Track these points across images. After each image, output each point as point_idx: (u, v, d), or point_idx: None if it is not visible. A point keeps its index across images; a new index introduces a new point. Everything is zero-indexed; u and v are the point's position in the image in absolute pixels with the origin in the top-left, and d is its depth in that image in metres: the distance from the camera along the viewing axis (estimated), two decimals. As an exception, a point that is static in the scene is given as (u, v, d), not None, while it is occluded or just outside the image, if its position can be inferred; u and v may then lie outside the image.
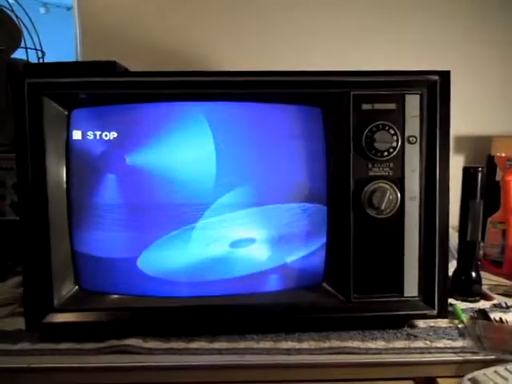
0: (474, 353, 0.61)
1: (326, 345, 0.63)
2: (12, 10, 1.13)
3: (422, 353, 0.61)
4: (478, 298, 0.78)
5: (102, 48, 1.17)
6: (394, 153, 0.64)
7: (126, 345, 0.62)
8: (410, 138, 0.65)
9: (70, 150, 0.64)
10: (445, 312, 0.66)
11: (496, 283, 0.87)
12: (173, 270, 0.66)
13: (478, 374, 0.57)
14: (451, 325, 0.68)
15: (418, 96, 0.64)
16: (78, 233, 0.65)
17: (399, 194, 0.65)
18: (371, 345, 0.63)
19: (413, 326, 0.68)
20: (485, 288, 0.81)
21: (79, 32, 1.20)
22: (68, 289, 0.65)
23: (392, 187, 0.64)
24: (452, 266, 0.78)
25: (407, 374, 0.61)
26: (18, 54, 1.13)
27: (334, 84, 0.64)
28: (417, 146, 0.65)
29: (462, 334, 0.65)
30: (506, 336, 0.65)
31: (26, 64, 1.01)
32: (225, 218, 0.65)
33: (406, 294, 0.66)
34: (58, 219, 0.63)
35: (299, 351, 0.61)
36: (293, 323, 0.67)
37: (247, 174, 0.65)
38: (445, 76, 0.64)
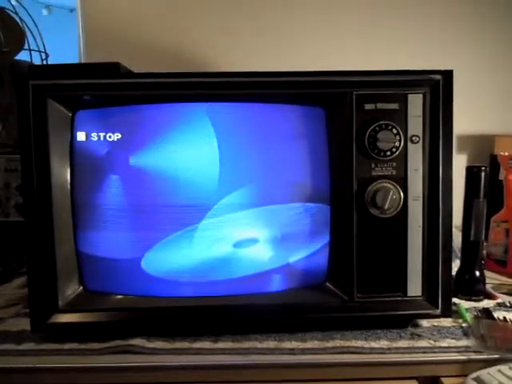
0: (478, 352, 0.61)
1: (330, 344, 0.63)
2: (15, 12, 1.14)
3: (426, 352, 0.61)
4: (481, 297, 0.78)
5: (105, 49, 1.18)
6: (397, 152, 0.64)
7: (130, 345, 0.62)
8: (413, 138, 0.65)
9: (74, 151, 0.64)
10: (448, 311, 0.66)
11: (500, 282, 0.87)
12: (176, 270, 0.66)
13: (482, 373, 0.57)
14: (455, 324, 0.68)
15: (420, 95, 0.64)
16: (83, 233, 0.65)
17: (402, 194, 0.65)
18: (375, 344, 0.63)
19: (416, 326, 0.68)
20: (488, 287, 0.81)
21: (82, 33, 1.21)
22: (73, 289, 0.65)
23: (395, 187, 0.64)
24: (455, 265, 0.78)
25: (411, 374, 0.61)
26: (22, 56, 1.13)
27: (337, 84, 0.64)
28: (420, 145, 0.65)
29: (465, 334, 0.65)
30: (510, 335, 0.65)
31: (30, 66, 1.01)
32: (228, 219, 0.65)
33: (409, 294, 0.66)
34: (62, 220, 0.64)
35: (303, 351, 0.62)
36: (296, 323, 0.67)
37: (250, 174, 0.65)
38: (448, 75, 0.64)
